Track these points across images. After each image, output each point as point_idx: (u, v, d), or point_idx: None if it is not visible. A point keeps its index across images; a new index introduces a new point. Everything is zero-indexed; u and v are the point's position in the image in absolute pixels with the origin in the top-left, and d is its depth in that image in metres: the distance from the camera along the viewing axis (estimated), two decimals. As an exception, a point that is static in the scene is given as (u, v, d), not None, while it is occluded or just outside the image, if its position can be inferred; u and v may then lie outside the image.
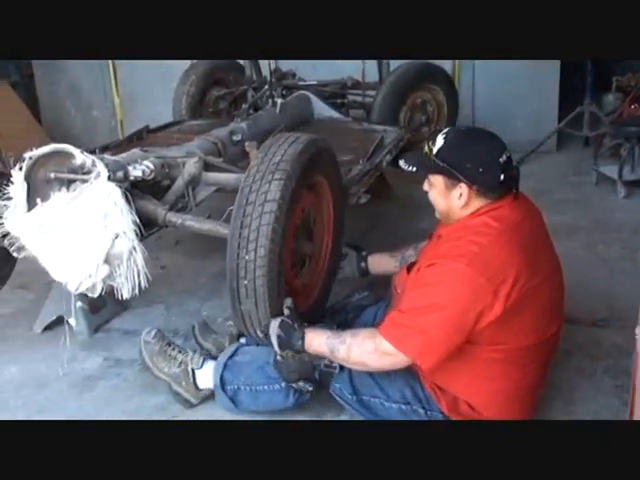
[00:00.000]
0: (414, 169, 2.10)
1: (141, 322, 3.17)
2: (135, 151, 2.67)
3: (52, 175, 2.38)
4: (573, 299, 2.46)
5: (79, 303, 3.00)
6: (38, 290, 3.37)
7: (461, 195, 2.03)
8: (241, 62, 4.97)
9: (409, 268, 2.26)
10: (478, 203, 2.05)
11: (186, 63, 4.86)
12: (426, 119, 4.75)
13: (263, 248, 2.18)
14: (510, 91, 5.75)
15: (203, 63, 4.88)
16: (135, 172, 2.46)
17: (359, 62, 5.76)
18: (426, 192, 2.16)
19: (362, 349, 2.05)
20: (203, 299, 3.39)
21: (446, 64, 5.28)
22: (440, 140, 2.06)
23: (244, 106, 4.25)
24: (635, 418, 1.61)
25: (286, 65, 5.10)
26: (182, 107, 4.68)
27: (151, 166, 2.52)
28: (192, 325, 2.76)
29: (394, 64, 4.80)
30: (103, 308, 3.17)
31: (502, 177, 2.00)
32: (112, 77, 6.37)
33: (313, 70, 5.09)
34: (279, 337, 2.20)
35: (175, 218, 2.54)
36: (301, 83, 4.91)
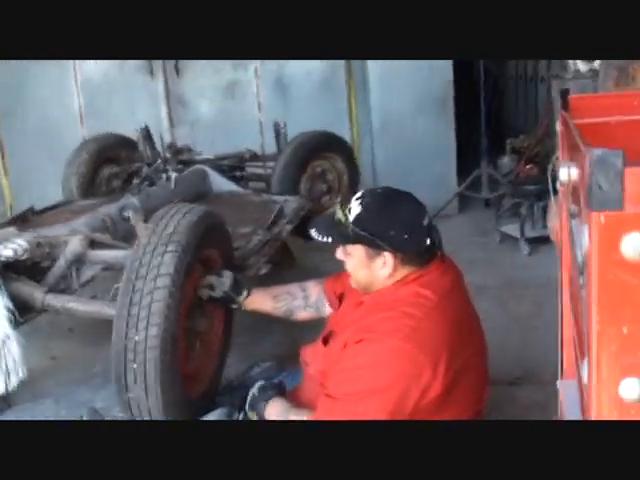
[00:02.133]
0: (329, 239, 1.94)
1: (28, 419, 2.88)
2: (8, 230, 2.45)
3: None
4: (490, 360, 2.35)
5: (-46, 402, 2.70)
6: None
7: (384, 264, 1.89)
8: (134, 138, 4.82)
9: (325, 339, 2.07)
10: (404, 271, 1.91)
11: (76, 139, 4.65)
12: (327, 188, 4.69)
13: (156, 327, 1.99)
14: (409, 156, 5.80)
15: (93, 141, 4.75)
16: (5, 252, 2.25)
17: (257, 135, 5.81)
18: (340, 261, 2.00)
19: None
20: (97, 388, 3.11)
21: (345, 132, 5.31)
22: (356, 206, 1.90)
23: (135, 181, 4.07)
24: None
25: (182, 140, 5.01)
26: (72, 187, 4.45)
27: (24, 245, 2.31)
28: (80, 415, 2.49)
29: (291, 134, 4.76)
30: (-18, 406, 2.86)
31: (428, 241, 1.88)
32: (-3, 156, 6.06)
33: (211, 145, 5.00)
34: (249, 404, 2.09)
35: (55, 301, 2.33)
36: (198, 157, 4.78)
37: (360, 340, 1.82)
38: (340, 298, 2.23)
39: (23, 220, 3.62)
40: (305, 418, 1.94)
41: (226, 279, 2.43)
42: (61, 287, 2.47)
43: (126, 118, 5.25)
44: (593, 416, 0.94)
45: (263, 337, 3.40)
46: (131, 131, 4.73)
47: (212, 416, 2.08)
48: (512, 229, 4.95)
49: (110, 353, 2.05)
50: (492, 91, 7.62)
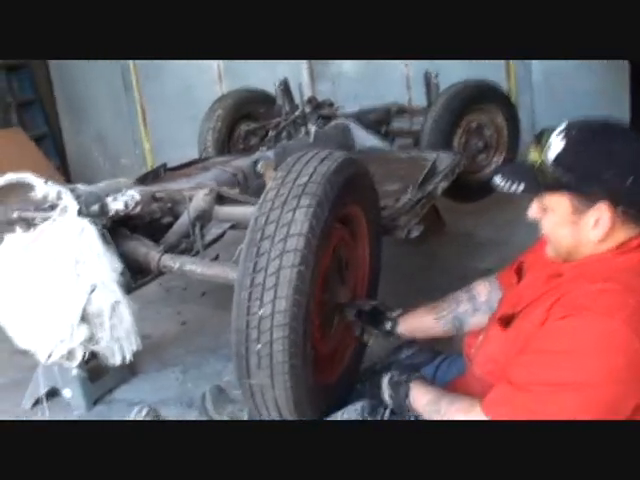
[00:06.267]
0: (520, 188, 1.45)
1: (151, 390, 2.67)
2: (120, 180, 2.16)
3: (14, 214, 1.87)
4: None
5: (75, 370, 2.48)
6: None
7: (598, 221, 1.38)
8: (273, 94, 4.52)
9: (504, 322, 1.59)
10: (623, 234, 1.40)
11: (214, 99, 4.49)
12: (484, 144, 4.17)
13: (284, 300, 1.60)
14: (575, 112, 5.12)
15: (230, 96, 4.54)
16: (115, 205, 1.94)
17: (403, 89, 5.36)
18: (534, 221, 1.52)
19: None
20: (227, 360, 2.81)
21: (501, 85, 4.76)
22: (558, 141, 1.41)
23: (271, 133, 3.74)
24: None
25: (323, 96, 4.67)
26: (208, 144, 4.25)
27: (137, 197, 1.99)
28: (202, 393, 2.19)
29: (443, 85, 4.28)
30: (105, 375, 2.63)
31: None
32: (141, 122, 6.02)
33: (354, 101, 4.63)
34: (392, 398, 1.72)
35: (172, 262, 2.00)
36: (340, 112, 4.41)
37: (566, 316, 1.34)
38: (519, 275, 1.76)
39: (155, 177, 3.39)
40: (443, 409, 1.53)
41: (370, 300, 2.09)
42: (183, 247, 2.15)
43: (266, 75, 4.96)
44: None
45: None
46: (270, 87, 4.46)
47: (352, 412, 1.68)
48: None
49: (230, 330, 1.69)
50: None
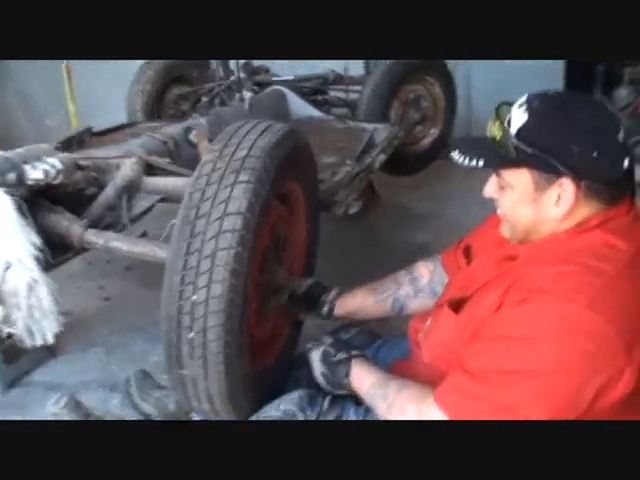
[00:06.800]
0: (480, 163, 1.35)
1: (71, 372, 2.52)
2: (41, 146, 1.98)
3: None
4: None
5: (-12, 350, 2.32)
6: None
7: (560, 197, 1.30)
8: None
9: (452, 304, 1.50)
10: (585, 210, 1.32)
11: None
12: (421, 116, 4.10)
13: (220, 284, 1.48)
14: (510, 87, 5.10)
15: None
16: (34, 174, 1.77)
17: (341, 56, 5.22)
18: (490, 199, 1.44)
19: (402, 414, 1.39)
20: (154, 339, 2.67)
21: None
22: (520, 113, 1.33)
23: (204, 99, 3.58)
24: None
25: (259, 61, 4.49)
26: (137, 108, 4.03)
27: (58, 165, 1.83)
28: (126, 377, 2.06)
29: (382, 54, 4.18)
30: (22, 356, 2.47)
31: (626, 163, 1.30)
32: (65, 81, 5.69)
33: (289, 66, 4.47)
34: (325, 376, 1.61)
35: (95, 238, 1.86)
36: (275, 78, 4.28)
37: (522, 301, 1.26)
38: (468, 257, 1.68)
39: (79, 143, 3.18)
40: (391, 396, 1.43)
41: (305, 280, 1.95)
42: (108, 221, 2.00)
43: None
44: None
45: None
46: (204, 49, 4.25)
47: (289, 403, 1.58)
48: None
49: (159, 316, 1.56)
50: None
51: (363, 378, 1.54)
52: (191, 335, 1.49)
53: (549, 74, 5.08)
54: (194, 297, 1.48)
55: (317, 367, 1.64)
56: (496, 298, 1.34)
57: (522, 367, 1.23)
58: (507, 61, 4.85)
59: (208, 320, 1.47)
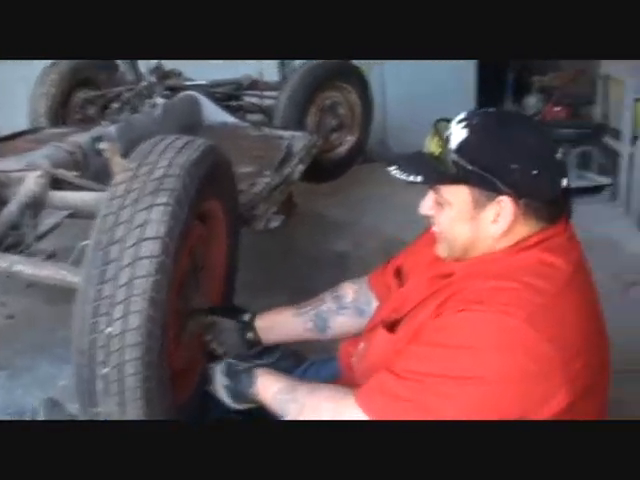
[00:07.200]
0: (417, 178, 1.32)
1: (-28, 400, 2.33)
2: None
3: None
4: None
5: None
6: None
7: (499, 215, 1.28)
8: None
9: (386, 325, 1.46)
10: (524, 229, 1.31)
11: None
12: (338, 123, 4.07)
13: (138, 315, 1.37)
14: (424, 94, 5.17)
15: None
16: None
17: (255, 61, 5.13)
18: (426, 216, 1.41)
19: (317, 414, 1.35)
20: (62, 361, 2.52)
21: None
22: (459, 129, 1.31)
23: (114, 106, 3.43)
24: None
25: (170, 65, 4.34)
26: (40, 112, 3.82)
27: (-48, 182, 1.67)
28: (33, 407, 1.92)
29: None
30: None
31: (564, 182, 1.30)
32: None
33: (202, 70, 4.35)
34: (228, 389, 1.57)
35: (-3, 261, 1.71)
36: (188, 83, 4.15)
37: (461, 310, 1.23)
38: (400, 279, 1.63)
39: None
40: (301, 399, 1.39)
41: (228, 329, 1.83)
42: (10, 241, 1.86)
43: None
44: None
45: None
46: (113, 51, 4.08)
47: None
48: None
49: (71, 350, 1.43)
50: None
51: (270, 385, 1.49)
52: (105, 370, 1.37)
53: (462, 85, 5.19)
54: (109, 329, 1.36)
55: (219, 380, 1.59)
56: (434, 309, 1.31)
57: (454, 373, 1.20)
58: (420, 71, 4.97)
59: (125, 354, 1.36)
